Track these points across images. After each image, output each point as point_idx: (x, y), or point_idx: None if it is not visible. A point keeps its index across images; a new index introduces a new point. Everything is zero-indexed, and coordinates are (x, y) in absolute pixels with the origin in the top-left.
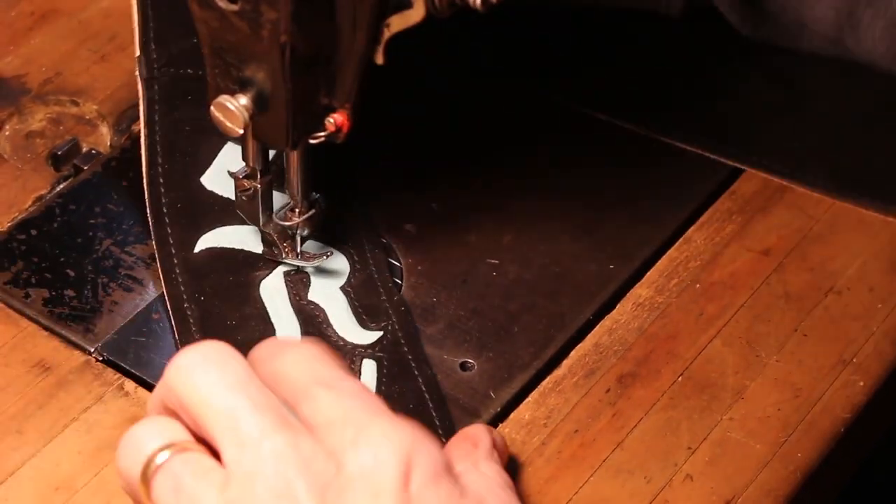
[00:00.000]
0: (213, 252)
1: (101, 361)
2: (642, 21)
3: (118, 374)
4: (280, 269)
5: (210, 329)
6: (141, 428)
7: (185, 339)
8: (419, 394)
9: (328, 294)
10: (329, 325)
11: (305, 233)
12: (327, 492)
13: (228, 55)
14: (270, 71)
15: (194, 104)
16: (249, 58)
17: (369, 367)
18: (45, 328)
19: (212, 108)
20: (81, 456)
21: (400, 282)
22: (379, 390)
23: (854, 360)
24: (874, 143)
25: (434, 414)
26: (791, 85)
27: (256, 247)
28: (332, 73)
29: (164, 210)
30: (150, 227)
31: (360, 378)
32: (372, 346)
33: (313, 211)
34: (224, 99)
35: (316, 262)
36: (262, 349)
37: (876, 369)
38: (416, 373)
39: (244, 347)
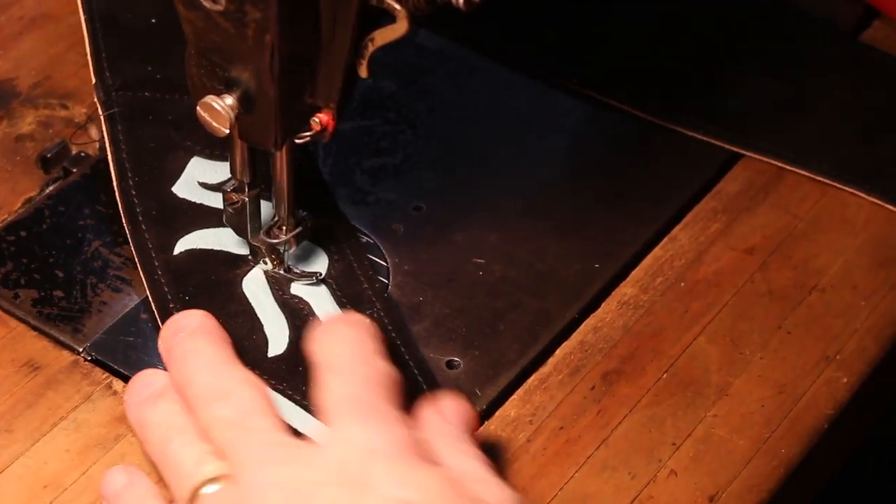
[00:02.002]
0: (192, 253)
1: (89, 361)
2: (641, 10)
3: (106, 374)
4: (260, 266)
5: None
6: (193, 450)
7: None
8: (413, 379)
9: (311, 287)
10: (315, 316)
11: (292, 250)
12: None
13: (214, 55)
14: (256, 71)
15: (156, 123)
16: (235, 58)
17: None
18: (34, 328)
19: (198, 108)
20: (69, 454)
21: (386, 281)
22: None
23: (837, 357)
24: (877, 136)
25: (426, 387)
26: (799, 78)
27: (235, 247)
28: (316, 73)
29: (140, 217)
30: (128, 234)
31: None
32: None
33: (300, 229)
34: (210, 99)
35: (304, 281)
36: (320, 325)
37: (859, 366)
38: (406, 357)
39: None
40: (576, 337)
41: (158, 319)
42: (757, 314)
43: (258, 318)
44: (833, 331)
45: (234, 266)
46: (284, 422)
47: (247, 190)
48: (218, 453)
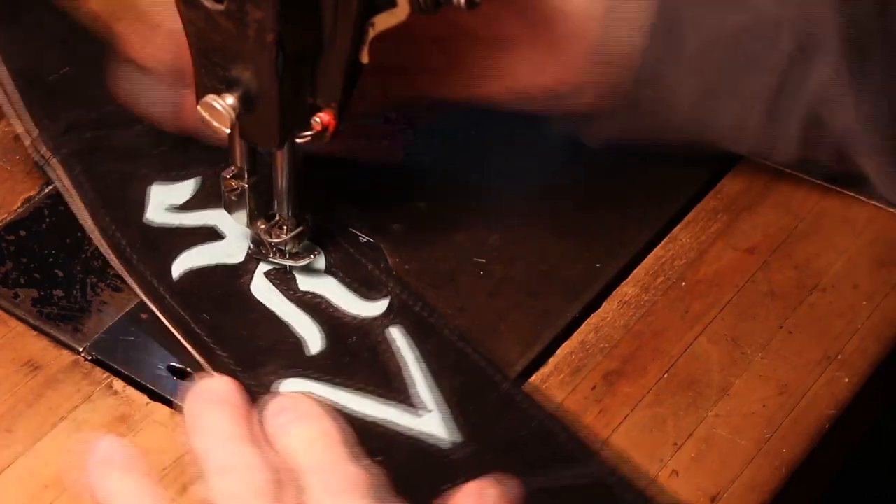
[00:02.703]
0: (192, 273)
1: (89, 361)
2: None
3: (106, 374)
4: (260, 271)
5: (230, 343)
6: None
7: (213, 360)
8: (454, 344)
9: (318, 281)
10: (336, 308)
11: (295, 250)
12: None
13: (215, 55)
14: (257, 70)
15: (108, 159)
16: (236, 57)
17: (398, 334)
18: (34, 328)
19: (199, 107)
20: (70, 454)
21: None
22: (420, 353)
23: (839, 357)
24: None
25: (476, 357)
26: None
27: (227, 258)
28: (317, 73)
29: (128, 250)
30: (123, 271)
31: (395, 346)
32: (385, 314)
33: (301, 228)
34: (211, 98)
35: (303, 262)
36: (272, 408)
37: (860, 366)
38: (438, 328)
39: (268, 354)
40: (577, 337)
41: (189, 345)
42: (758, 314)
43: (283, 322)
44: (834, 330)
45: (235, 276)
46: None
47: (246, 176)
48: None
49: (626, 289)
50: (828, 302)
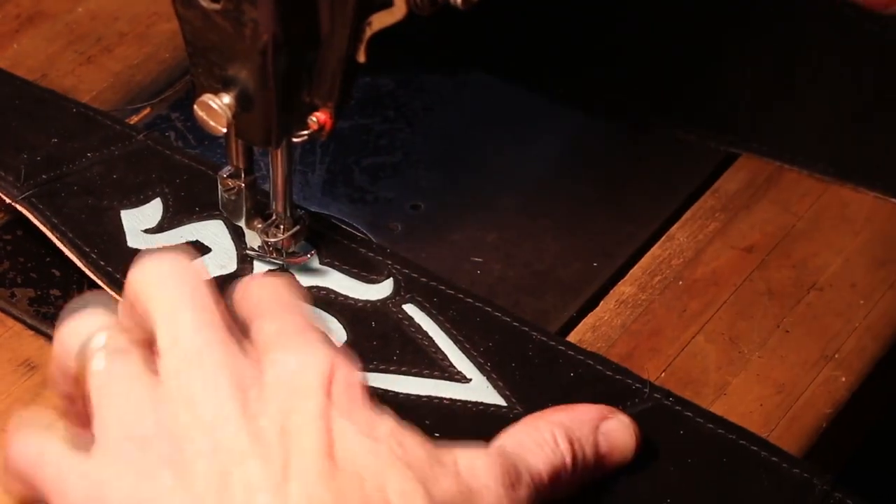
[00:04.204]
0: None
1: None
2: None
3: None
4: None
5: None
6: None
7: None
8: (476, 307)
9: (315, 274)
10: (344, 296)
11: (292, 249)
12: (249, 390)
13: (211, 54)
14: (253, 70)
15: (71, 196)
16: (232, 57)
17: (414, 310)
18: (31, 327)
19: (195, 106)
20: None
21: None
22: (442, 323)
23: (836, 356)
24: (873, 125)
25: (502, 315)
26: (788, 70)
27: (221, 270)
28: (314, 72)
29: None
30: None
31: (415, 322)
32: (395, 293)
33: (298, 227)
34: (207, 98)
35: (299, 261)
36: (239, 285)
37: (857, 365)
38: (455, 295)
39: None
40: (574, 336)
41: None
42: (755, 313)
43: None
44: (832, 330)
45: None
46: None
47: (243, 176)
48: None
49: (624, 288)
50: (825, 301)
